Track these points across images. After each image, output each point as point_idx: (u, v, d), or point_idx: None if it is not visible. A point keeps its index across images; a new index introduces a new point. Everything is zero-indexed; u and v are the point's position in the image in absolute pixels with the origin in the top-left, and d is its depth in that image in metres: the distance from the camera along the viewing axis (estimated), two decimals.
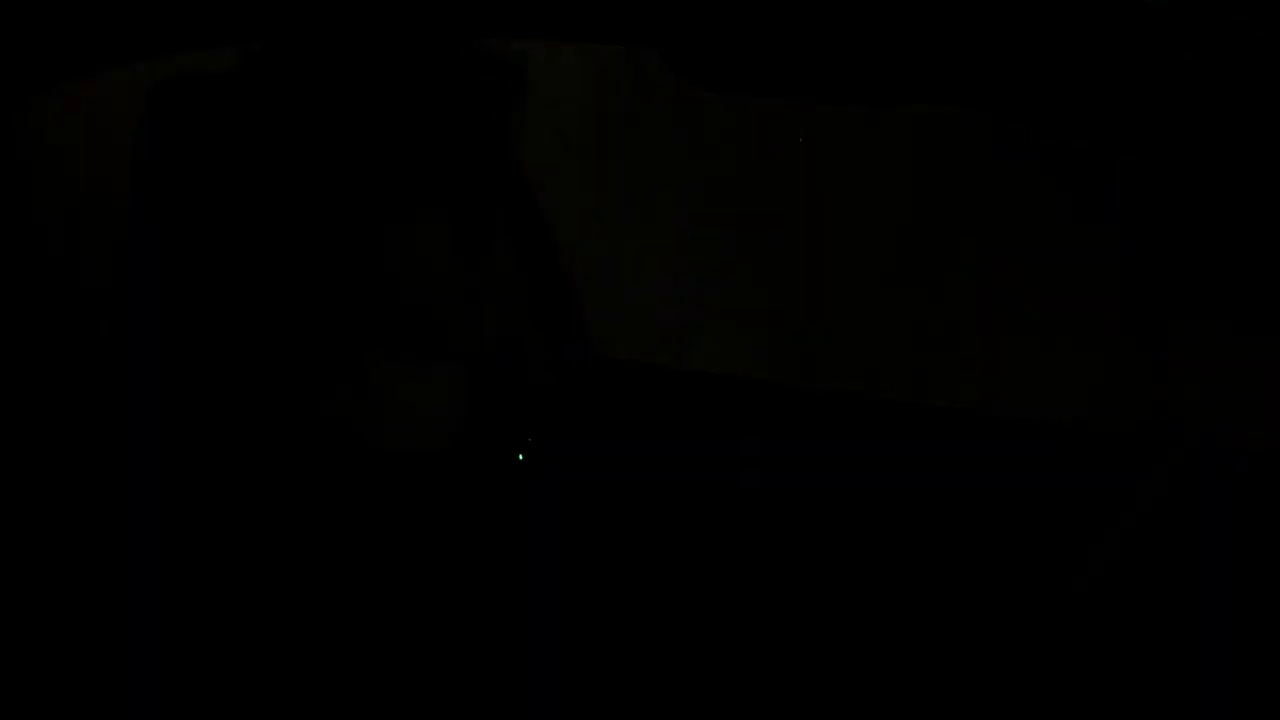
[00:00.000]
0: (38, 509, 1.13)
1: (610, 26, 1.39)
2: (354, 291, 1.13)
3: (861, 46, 1.02)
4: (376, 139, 1.10)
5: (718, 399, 1.76)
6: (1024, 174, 1.72)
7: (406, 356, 1.17)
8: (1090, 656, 1.07)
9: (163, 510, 1.10)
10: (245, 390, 1.18)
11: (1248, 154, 0.99)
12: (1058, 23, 1.01)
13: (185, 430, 1.14)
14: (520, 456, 1.29)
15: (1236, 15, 0.96)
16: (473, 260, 1.14)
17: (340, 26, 1.13)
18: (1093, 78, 1.03)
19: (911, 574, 1.56)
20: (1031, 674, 1.23)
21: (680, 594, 1.53)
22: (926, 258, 1.66)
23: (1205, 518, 1.17)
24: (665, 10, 0.92)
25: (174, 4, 1.21)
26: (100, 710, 1.10)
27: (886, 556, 1.59)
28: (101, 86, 1.97)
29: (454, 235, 1.13)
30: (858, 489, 1.61)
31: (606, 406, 1.70)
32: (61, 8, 1.17)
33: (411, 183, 1.12)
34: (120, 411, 1.17)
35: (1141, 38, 1.00)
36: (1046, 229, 1.75)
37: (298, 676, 1.08)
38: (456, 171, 1.13)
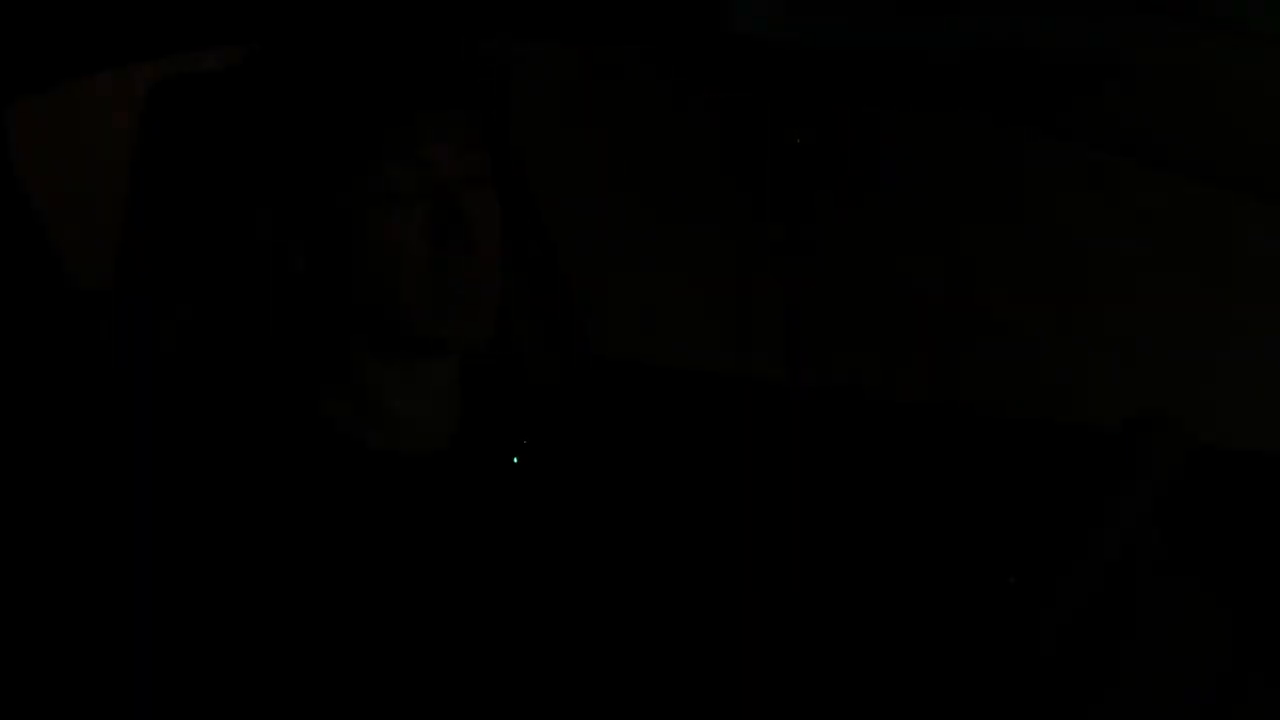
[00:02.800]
0: (37, 508, 1.13)
1: (609, 28, 1.39)
2: (352, 290, 1.13)
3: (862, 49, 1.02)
4: (376, 139, 1.10)
5: (717, 399, 1.76)
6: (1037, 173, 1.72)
7: (405, 357, 1.17)
8: (1084, 660, 1.07)
9: (162, 510, 1.10)
10: (245, 390, 1.18)
11: None
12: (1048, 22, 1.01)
13: (185, 429, 1.14)
14: (519, 457, 1.29)
15: None
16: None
17: (339, 27, 1.13)
18: (1094, 78, 1.03)
19: (910, 572, 1.57)
20: (1026, 675, 1.23)
21: (680, 592, 1.53)
22: (925, 256, 1.66)
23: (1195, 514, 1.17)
24: (663, 12, 0.92)
25: (174, 4, 1.21)
26: (100, 710, 1.10)
27: (885, 554, 1.59)
28: (101, 86, 1.97)
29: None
30: (856, 487, 1.61)
31: (606, 406, 1.70)
32: (62, 8, 1.17)
33: (409, 183, 1.12)
34: (120, 411, 1.17)
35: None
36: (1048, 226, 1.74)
37: (296, 676, 1.08)
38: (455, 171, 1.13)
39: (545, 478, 1.29)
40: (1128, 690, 1.10)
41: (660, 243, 1.83)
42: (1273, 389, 1.51)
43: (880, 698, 1.51)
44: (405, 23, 1.13)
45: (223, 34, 1.27)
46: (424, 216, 1.11)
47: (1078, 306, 1.72)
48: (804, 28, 0.70)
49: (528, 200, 1.73)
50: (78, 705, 1.11)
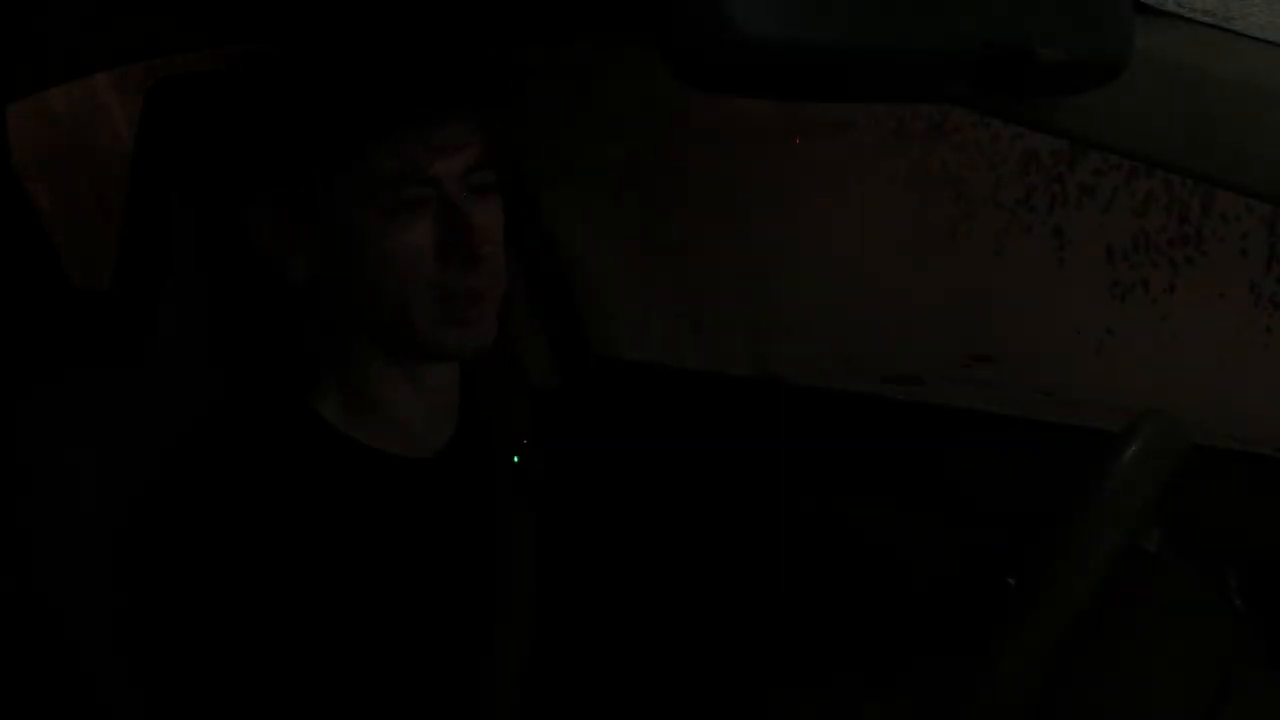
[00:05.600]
0: (37, 507, 1.13)
1: (608, 29, 1.39)
2: (355, 299, 1.13)
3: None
4: (387, 149, 1.10)
5: (716, 399, 1.76)
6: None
7: (408, 361, 1.17)
8: (1084, 659, 1.07)
9: (162, 509, 1.10)
10: (246, 389, 1.18)
11: None
12: None
13: (185, 429, 1.14)
14: (519, 457, 1.29)
15: None
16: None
17: (339, 29, 1.13)
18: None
19: (908, 571, 1.57)
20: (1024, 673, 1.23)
21: (679, 590, 1.53)
22: (911, 256, 1.65)
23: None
24: (663, 12, 0.92)
25: (174, 4, 1.21)
26: (99, 709, 1.10)
27: (882, 553, 1.59)
28: (101, 86, 1.97)
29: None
30: (854, 486, 1.61)
31: (606, 406, 1.70)
32: (62, 8, 1.17)
33: (419, 195, 1.12)
34: (120, 410, 1.17)
35: None
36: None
37: (297, 675, 1.08)
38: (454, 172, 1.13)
39: (544, 478, 1.29)
40: (1127, 689, 1.10)
41: (658, 244, 1.83)
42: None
43: (877, 696, 1.51)
44: (414, 29, 1.13)
45: (223, 34, 1.27)
46: (431, 230, 1.11)
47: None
48: (801, 27, 0.70)
49: (529, 202, 1.73)
50: (76, 703, 1.11)
